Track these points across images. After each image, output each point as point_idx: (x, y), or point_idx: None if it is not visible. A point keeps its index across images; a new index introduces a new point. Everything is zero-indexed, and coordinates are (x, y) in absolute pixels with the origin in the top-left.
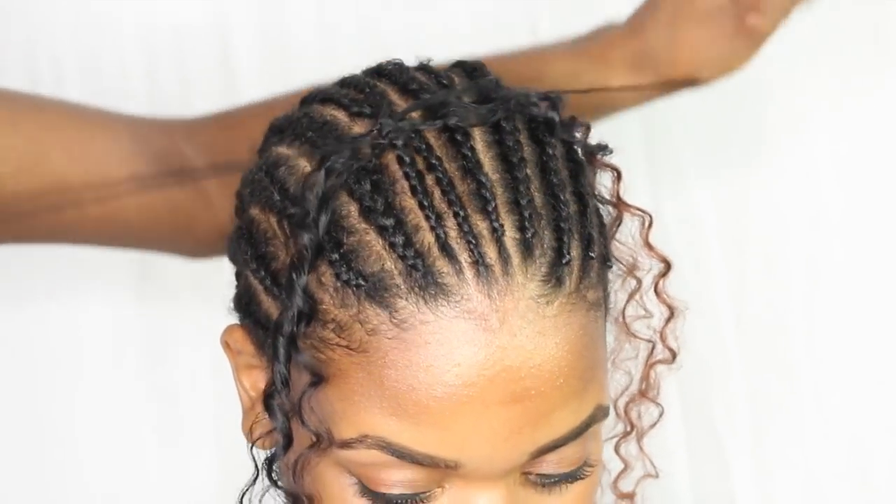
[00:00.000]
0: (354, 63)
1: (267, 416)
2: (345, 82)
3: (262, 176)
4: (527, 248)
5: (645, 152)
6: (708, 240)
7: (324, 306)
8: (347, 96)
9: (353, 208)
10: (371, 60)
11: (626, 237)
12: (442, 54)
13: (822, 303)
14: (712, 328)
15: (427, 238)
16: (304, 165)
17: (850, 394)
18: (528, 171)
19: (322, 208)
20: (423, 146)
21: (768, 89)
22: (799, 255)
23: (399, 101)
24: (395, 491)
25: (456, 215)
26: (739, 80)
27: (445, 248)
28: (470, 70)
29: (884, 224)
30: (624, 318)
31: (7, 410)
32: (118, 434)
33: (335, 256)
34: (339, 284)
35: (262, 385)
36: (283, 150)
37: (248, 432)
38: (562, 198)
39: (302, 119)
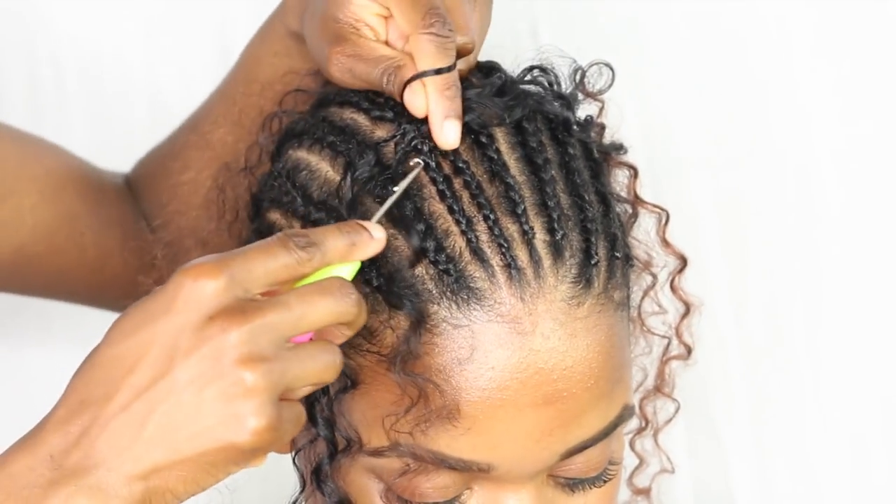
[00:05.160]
0: None
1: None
2: None
3: (282, 181)
4: (557, 251)
5: (645, 152)
6: (708, 239)
7: None
8: (366, 98)
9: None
10: None
11: (639, 233)
12: None
13: (823, 302)
14: (712, 328)
15: (458, 242)
16: (327, 170)
17: (849, 393)
18: (554, 172)
19: (350, 215)
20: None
21: (768, 89)
22: (799, 254)
23: None
24: (428, 495)
25: (486, 219)
26: (739, 79)
27: (477, 253)
28: (486, 70)
29: (884, 223)
30: (640, 313)
31: (9, 414)
32: None
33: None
34: (368, 290)
35: None
36: (302, 154)
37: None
38: (586, 198)
39: (321, 123)
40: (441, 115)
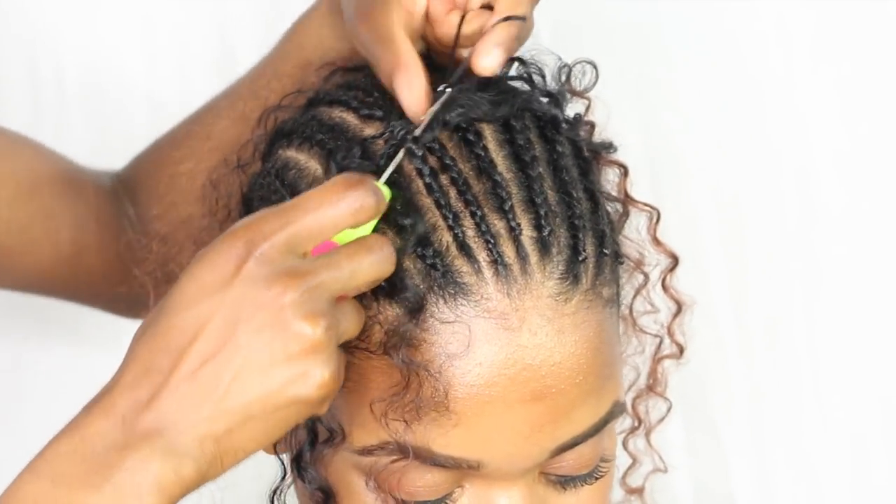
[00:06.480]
0: None
1: None
2: (350, 84)
3: (271, 180)
4: (544, 247)
5: (645, 152)
6: (708, 240)
7: None
8: (356, 98)
9: None
10: None
11: (631, 232)
12: None
13: (823, 302)
14: (712, 327)
15: (445, 237)
16: (316, 168)
17: (849, 393)
18: (541, 169)
19: None
20: (437, 146)
21: (768, 89)
22: (799, 254)
23: None
24: (418, 493)
25: (473, 215)
26: (739, 80)
27: (464, 248)
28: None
29: (884, 223)
30: (632, 313)
31: (9, 416)
32: None
33: None
34: None
35: None
36: (291, 153)
37: None
38: (574, 195)
39: (310, 122)
40: (493, 41)
